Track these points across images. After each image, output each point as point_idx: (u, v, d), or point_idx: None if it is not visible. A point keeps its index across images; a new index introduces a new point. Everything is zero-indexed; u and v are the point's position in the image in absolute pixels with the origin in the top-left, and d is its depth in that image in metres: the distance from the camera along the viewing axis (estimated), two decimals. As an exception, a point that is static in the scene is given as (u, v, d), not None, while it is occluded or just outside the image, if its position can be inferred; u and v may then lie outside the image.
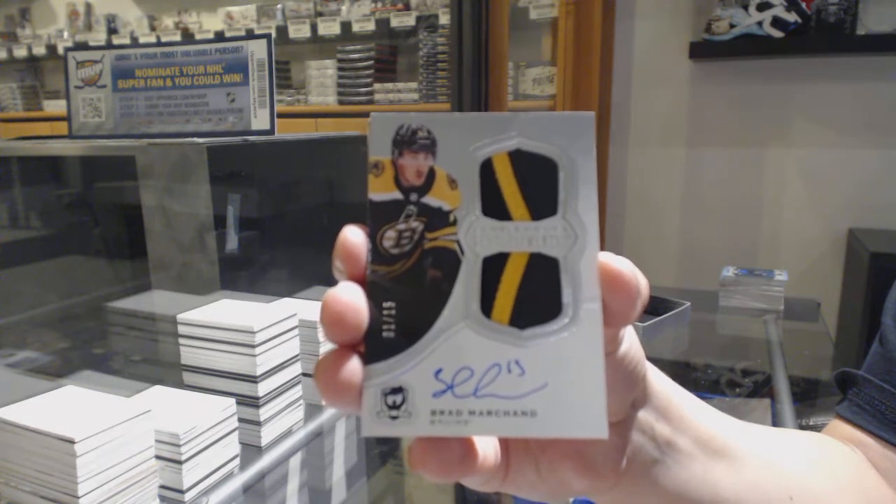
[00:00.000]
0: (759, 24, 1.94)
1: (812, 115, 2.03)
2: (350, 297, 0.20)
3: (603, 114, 2.21)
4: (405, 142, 0.22)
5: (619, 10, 2.20)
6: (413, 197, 0.22)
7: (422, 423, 0.21)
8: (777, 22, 1.92)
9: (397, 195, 0.22)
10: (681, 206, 2.24)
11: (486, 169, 0.22)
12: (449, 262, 0.21)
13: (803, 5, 1.90)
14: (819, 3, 1.90)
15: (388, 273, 0.21)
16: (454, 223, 0.22)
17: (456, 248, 0.21)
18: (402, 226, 0.21)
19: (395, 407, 0.21)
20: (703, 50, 2.04)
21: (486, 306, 0.21)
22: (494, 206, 0.22)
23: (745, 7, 1.95)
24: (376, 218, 0.22)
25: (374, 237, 0.21)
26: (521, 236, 0.21)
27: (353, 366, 0.20)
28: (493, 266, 0.21)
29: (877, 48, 1.88)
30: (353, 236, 0.21)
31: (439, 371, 0.21)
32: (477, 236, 0.22)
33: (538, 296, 0.21)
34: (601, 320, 0.21)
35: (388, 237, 0.21)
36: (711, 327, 1.30)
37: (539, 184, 0.22)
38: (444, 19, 2.55)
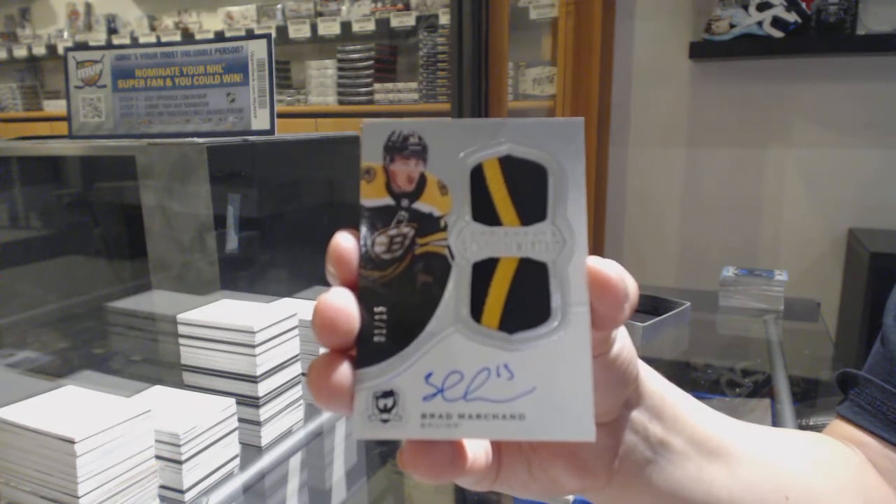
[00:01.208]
0: (759, 24, 1.93)
1: (812, 115, 2.03)
2: (341, 301, 0.21)
3: (603, 114, 2.21)
4: (396, 148, 0.22)
5: (619, 10, 2.19)
6: (404, 203, 0.22)
7: (412, 426, 0.21)
8: (777, 22, 1.92)
9: (389, 201, 0.22)
10: (681, 206, 2.24)
11: (477, 175, 0.22)
12: (439, 267, 0.22)
13: (803, 5, 1.89)
14: (819, 3, 1.90)
15: (380, 278, 0.21)
16: (445, 228, 0.22)
17: (446, 254, 0.22)
18: (393, 231, 0.22)
19: (386, 410, 0.21)
20: (703, 50, 2.04)
21: (476, 311, 0.21)
22: (484, 212, 0.22)
23: (745, 7, 1.95)
24: (368, 223, 0.22)
25: (365, 242, 0.22)
26: (510, 241, 0.22)
27: (345, 370, 0.21)
28: (483, 271, 0.22)
29: (877, 48, 1.88)
30: (345, 242, 0.22)
31: (429, 375, 0.21)
32: (467, 241, 0.22)
33: (527, 300, 0.21)
34: (589, 324, 0.21)
35: (380, 242, 0.22)
36: (711, 327, 1.30)
37: (529, 189, 0.22)
38: (444, 19, 2.55)
